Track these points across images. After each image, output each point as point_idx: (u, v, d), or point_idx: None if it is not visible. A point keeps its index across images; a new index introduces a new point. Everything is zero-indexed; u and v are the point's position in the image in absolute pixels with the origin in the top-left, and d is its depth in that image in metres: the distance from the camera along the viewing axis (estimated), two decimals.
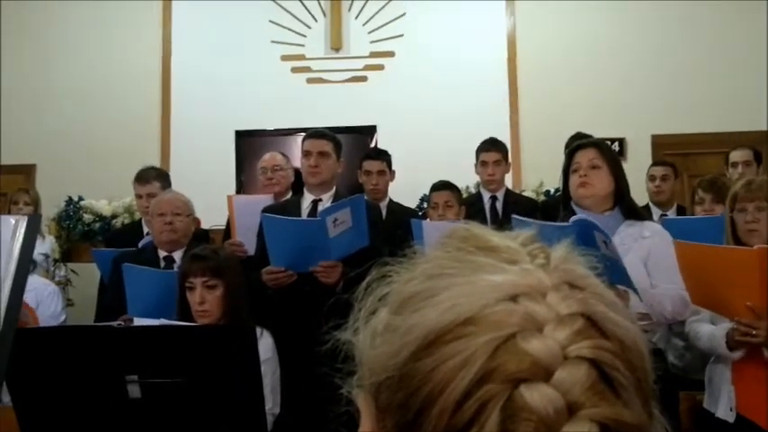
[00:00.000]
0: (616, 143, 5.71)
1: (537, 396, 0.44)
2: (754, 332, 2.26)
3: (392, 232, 3.36)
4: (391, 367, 0.49)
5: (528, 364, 0.45)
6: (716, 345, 2.42)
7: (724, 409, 2.40)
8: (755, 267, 2.20)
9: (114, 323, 1.98)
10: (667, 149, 5.69)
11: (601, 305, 0.49)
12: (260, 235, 3.04)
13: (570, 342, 0.46)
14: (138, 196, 3.84)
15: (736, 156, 4.21)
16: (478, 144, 4.30)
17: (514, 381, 0.45)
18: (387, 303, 0.55)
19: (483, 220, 4.07)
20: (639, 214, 2.68)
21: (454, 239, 0.56)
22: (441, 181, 3.91)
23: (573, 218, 2.51)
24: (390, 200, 4.26)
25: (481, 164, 4.24)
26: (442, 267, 0.52)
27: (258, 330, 2.45)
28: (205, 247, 2.66)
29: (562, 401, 0.44)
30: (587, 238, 2.23)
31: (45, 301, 3.25)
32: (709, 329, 2.47)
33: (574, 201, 2.63)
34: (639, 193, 3.78)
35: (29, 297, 3.03)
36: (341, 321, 0.61)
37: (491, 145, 4.25)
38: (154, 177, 3.86)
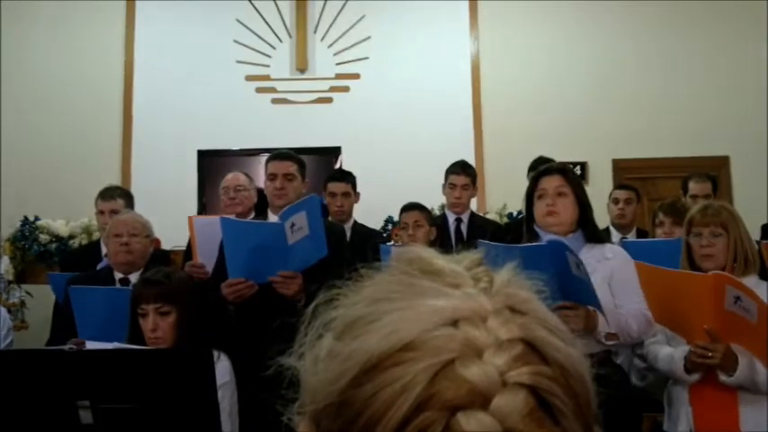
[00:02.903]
0: (578, 167, 5.80)
1: (474, 424, 0.43)
2: (710, 354, 2.29)
3: (357, 254, 3.34)
4: (331, 394, 0.48)
5: (466, 390, 0.44)
6: (674, 368, 2.45)
7: (683, 430, 2.43)
8: (709, 292, 2.24)
9: (65, 347, 1.92)
10: (628, 173, 5.80)
11: (542, 330, 0.48)
12: (219, 255, 2.99)
13: (509, 368, 0.45)
14: (101, 212, 3.79)
15: (696, 189, 4.28)
16: (449, 165, 4.32)
17: (452, 408, 0.44)
18: (332, 328, 0.54)
19: (448, 242, 4.09)
20: (601, 238, 2.72)
21: (401, 263, 0.55)
22: (411, 202, 3.93)
23: (545, 237, 2.53)
24: (355, 221, 4.25)
25: (449, 185, 4.27)
26: (386, 291, 0.52)
27: (215, 354, 2.40)
28: (158, 271, 2.57)
29: (499, 429, 0.43)
30: (558, 258, 2.26)
31: None
32: (668, 352, 2.50)
33: (538, 224, 2.65)
34: (600, 216, 3.83)
35: None
36: (289, 346, 0.59)
37: (461, 168, 4.28)
38: (119, 195, 3.85)
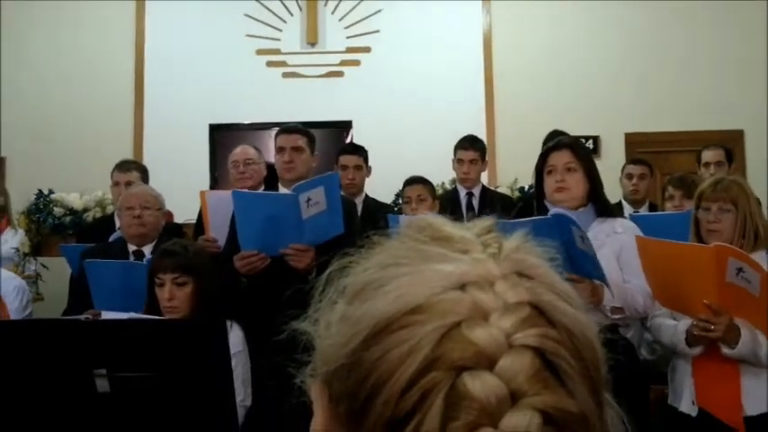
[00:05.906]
0: (590, 141, 5.77)
1: (479, 384, 0.44)
2: (712, 327, 2.29)
3: (368, 227, 3.35)
4: (342, 356, 0.50)
5: (472, 352, 0.45)
6: (676, 341, 2.45)
7: (687, 403, 2.44)
8: (711, 263, 2.23)
9: (82, 317, 1.96)
10: (640, 147, 5.76)
11: (549, 294, 0.49)
12: (231, 229, 3.01)
13: (516, 330, 0.46)
14: (116, 183, 3.82)
15: (708, 156, 4.26)
16: (457, 140, 4.31)
17: (458, 369, 0.45)
18: (344, 294, 0.55)
19: (459, 216, 4.09)
20: (612, 212, 2.71)
21: (412, 230, 0.56)
22: (413, 176, 3.93)
23: (552, 211, 2.53)
24: (366, 195, 4.25)
25: (458, 161, 4.26)
26: (396, 257, 0.53)
27: (228, 323, 2.43)
28: (175, 242, 2.61)
29: (505, 389, 0.44)
30: (564, 231, 2.26)
31: (9, 295, 3.17)
32: (671, 325, 2.50)
33: (548, 200, 2.65)
34: (612, 190, 3.82)
35: None
36: (303, 312, 0.61)
37: (469, 143, 4.27)
38: (134, 168, 3.90)
